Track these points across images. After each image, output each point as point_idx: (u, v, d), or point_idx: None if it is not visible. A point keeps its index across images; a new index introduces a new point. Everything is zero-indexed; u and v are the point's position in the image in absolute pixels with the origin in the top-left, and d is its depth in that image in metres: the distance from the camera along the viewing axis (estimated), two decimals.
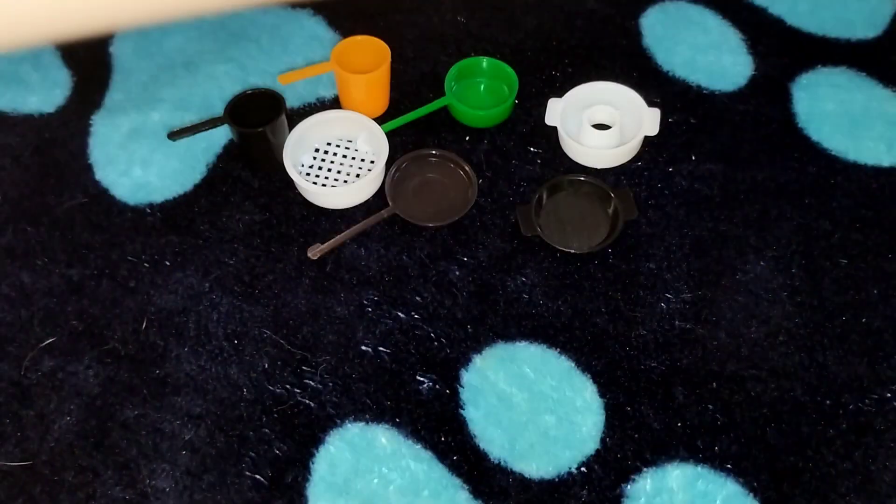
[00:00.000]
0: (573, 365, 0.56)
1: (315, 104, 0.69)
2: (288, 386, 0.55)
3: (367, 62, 0.66)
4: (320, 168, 0.65)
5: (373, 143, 0.65)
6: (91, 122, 0.68)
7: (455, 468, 0.52)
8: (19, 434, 0.53)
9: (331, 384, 0.55)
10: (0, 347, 0.57)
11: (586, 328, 0.57)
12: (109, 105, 0.69)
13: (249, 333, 0.57)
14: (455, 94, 0.67)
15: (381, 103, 0.68)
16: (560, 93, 0.67)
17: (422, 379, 0.55)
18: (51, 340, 0.57)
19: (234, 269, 0.60)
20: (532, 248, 0.61)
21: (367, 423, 0.53)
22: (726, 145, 0.66)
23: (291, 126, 0.64)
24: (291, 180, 0.63)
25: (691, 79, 0.70)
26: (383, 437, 0.53)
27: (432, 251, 0.61)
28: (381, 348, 0.56)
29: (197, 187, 0.64)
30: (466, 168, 0.64)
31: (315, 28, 0.74)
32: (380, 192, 0.64)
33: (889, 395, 0.54)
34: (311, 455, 0.52)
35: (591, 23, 0.73)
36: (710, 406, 0.54)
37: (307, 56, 0.72)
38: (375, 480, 0.51)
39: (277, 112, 0.63)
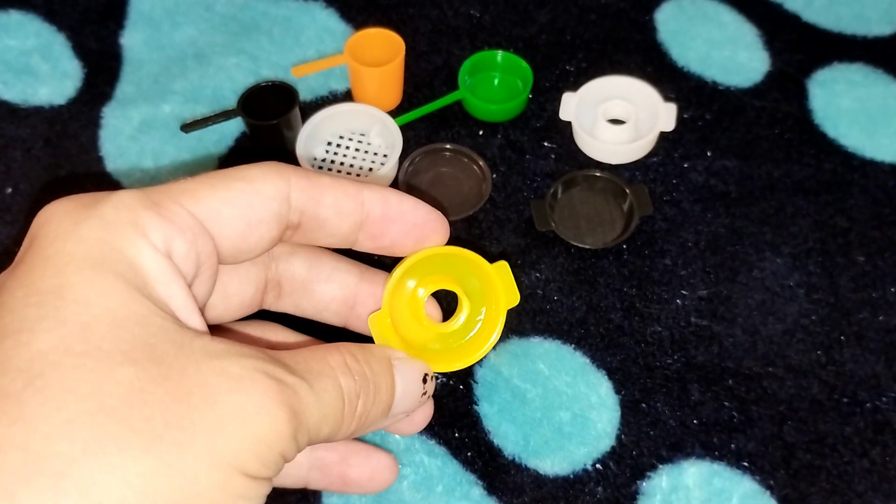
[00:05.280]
0: (588, 361, 0.55)
1: (327, 97, 0.69)
2: None
3: (380, 55, 0.65)
4: (332, 162, 0.64)
5: (386, 137, 0.65)
6: (102, 114, 0.68)
7: (469, 464, 0.52)
8: None
9: None
10: None
11: (601, 324, 0.57)
12: (120, 97, 0.69)
13: None
14: (469, 88, 0.67)
15: (394, 97, 0.67)
16: (574, 87, 0.67)
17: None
18: None
19: None
20: (546, 243, 0.60)
21: None
22: (742, 141, 0.65)
23: (304, 119, 0.64)
24: None
25: (706, 74, 0.69)
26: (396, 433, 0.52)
27: None
28: None
29: None
30: (480, 163, 0.63)
31: (327, 20, 0.73)
32: (393, 186, 0.63)
33: None
34: None
35: (605, 17, 0.73)
36: (726, 403, 0.53)
37: (319, 49, 0.71)
38: None
39: (291, 105, 0.62)
